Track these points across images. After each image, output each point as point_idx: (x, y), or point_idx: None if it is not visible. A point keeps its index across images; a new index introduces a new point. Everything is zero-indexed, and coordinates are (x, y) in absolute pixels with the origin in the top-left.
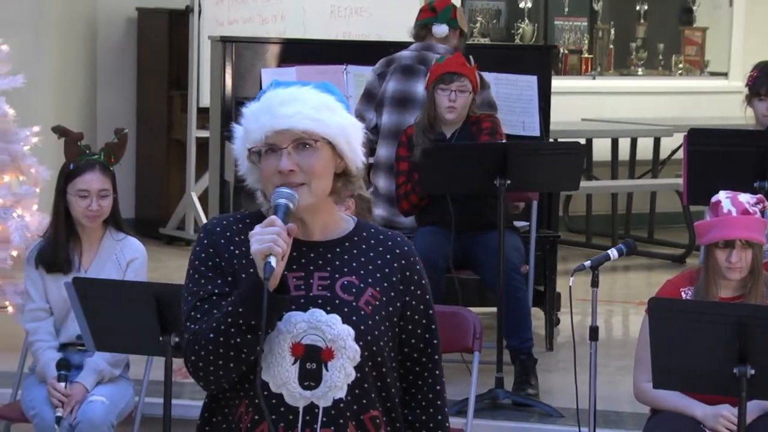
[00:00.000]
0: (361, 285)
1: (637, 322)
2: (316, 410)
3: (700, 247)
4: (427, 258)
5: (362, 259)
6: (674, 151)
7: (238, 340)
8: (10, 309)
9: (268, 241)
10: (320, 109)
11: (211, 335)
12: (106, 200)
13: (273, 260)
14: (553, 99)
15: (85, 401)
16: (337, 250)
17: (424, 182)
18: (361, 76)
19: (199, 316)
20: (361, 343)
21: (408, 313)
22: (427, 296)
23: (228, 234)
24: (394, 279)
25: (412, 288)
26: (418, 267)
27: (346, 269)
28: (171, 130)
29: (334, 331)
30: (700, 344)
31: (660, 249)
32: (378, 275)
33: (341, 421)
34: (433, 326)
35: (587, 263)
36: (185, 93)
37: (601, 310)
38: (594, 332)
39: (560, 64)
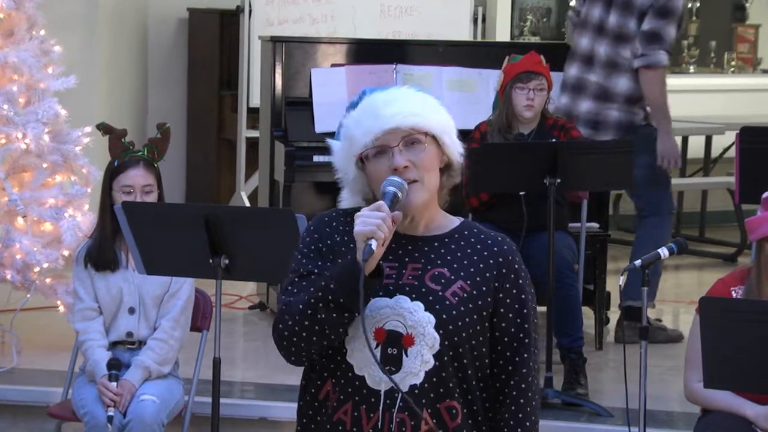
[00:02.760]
0: (452, 277)
1: (687, 321)
2: (396, 395)
3: (752, 246)
4: None
5: (458, 254)
6: (726, 149)
7: (323, 316)
8: (61, 308)
9: (372, 225)
10: (422, 105)
11: (300, 307)
12: (150, 196)
13: (374, 243)
14: None
15: (136, 400)
16: (435, 244)
17: (473, 182)
18: (410, 75)
19: (295, 290)
20: (441, 331)
21: (501, 310)
22: (524, 296)
23: (334, 224)
24: (488, 275)
25: (508, 286)
26: (517, 267)
27: (439, 261)
28: (221, 130)
29: (415, 317)
30: (751, 344)
31: (711, 248)
32: (472, 269)
33: (416, 408)
34: (527, 326)
35: (638, 262)
36: (235, 93)
37: (651, 310)
38: (644, 331)
39: None
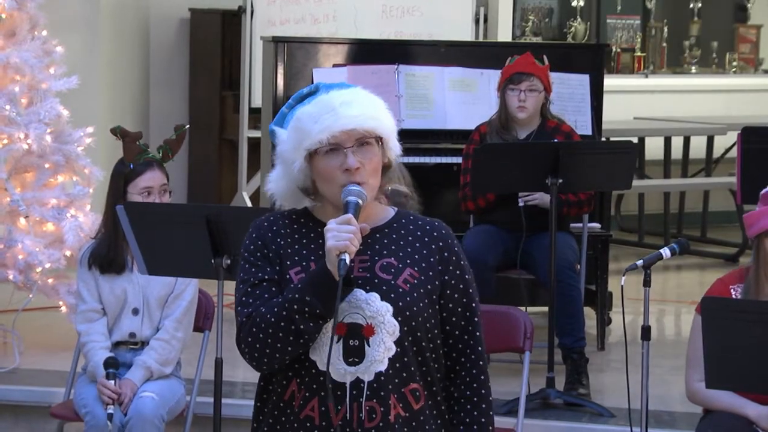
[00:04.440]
0: (400, 265)
1: (689, 321)
2: (362, 384)
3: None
4: (477, 256)
5: (401, 243)
6: (728, 150)
7: (301, 326)
8: (63, 309)
9: (345, 239)
10: (377, 109)
11: (272, 318)
12: (166, 195)
13: (347, 257)
14: (606, 98)
15: (136, 398)
16: (377, 235)
17: (475, 182)
18: (412, 75)
19: (251, 300)
20: (399, 318)
21: (447, 291)
22: (467, 276)
23: (275, 228)
24: (432, 259)
25: (451, 268)
26: (456, 249)
27: (385, 252)
28: (223, 131)
29: (373, 307)
30: (753, 343)
31: (713, 248)
32: (416, 256)
33: (383, 393)
34: (473, 304)
35: (639, 262)
36: (237, 93)
37: (653, 310)
38: (646, 332)
39: (613, 62)
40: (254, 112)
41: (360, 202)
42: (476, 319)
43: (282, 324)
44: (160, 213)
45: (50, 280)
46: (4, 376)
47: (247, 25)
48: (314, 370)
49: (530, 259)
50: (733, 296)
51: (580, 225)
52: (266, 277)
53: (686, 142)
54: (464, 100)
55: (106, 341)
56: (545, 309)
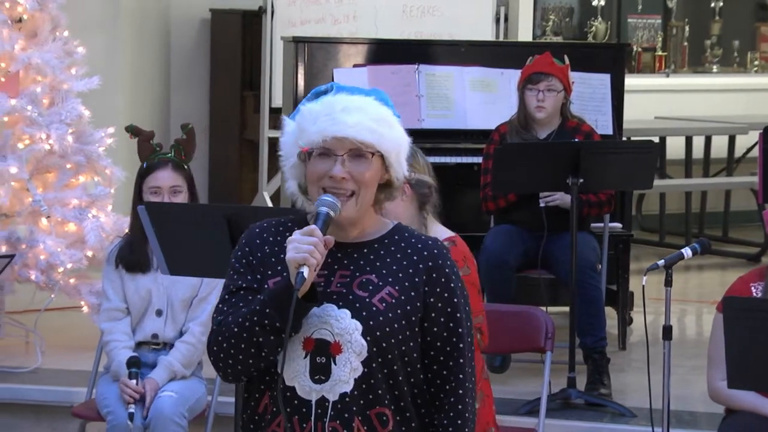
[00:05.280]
0: (380, 283)
1: (710, 321)
2: (327, 404)
3: None
4: (498, 256)
5: (387, 260)
6: (749, 149)
7: (261, 339)
8: (85, 309)
9: (304, 251)
10: (380, 122)
11: (236, 329)
12: (178, 197)
13: (306, 270)
14: (627, 97)
15: (156, 397)
16: (365, 250)
17: (496, 182)
18: (432, 75)
19: (226, 308)
20: (368, 338)
21: (432, 314)
22: (455, 300)
23: (264, 235)
24: (417, 279)
25: (438, 290)
26: (448, 270)
27: (368, 268)
28: (244, 131)
29: (341, 324)
30: None
31: (735, 248)
32: (400, 275)
33: (347, 415)
34: (460, 330)
35: (661, 262)
36: (258, 93)
37: (674, 310)
38: (668, 331)
39: (633, 62)
40: (275, 112)
41: (331, 213)
42: (461, 345)
43: (244, 335)
44: (181, 213)
45: (72, 280)
46: (26, 376)
47: (267, 25)
48: (282, 385)
49: (551, 259)
50: (754, 294)
51: (601, 225)
52: (244, 285)
53: (707, 141)
54: (484, 99)
55: (130, 341)
56: (566, 309)
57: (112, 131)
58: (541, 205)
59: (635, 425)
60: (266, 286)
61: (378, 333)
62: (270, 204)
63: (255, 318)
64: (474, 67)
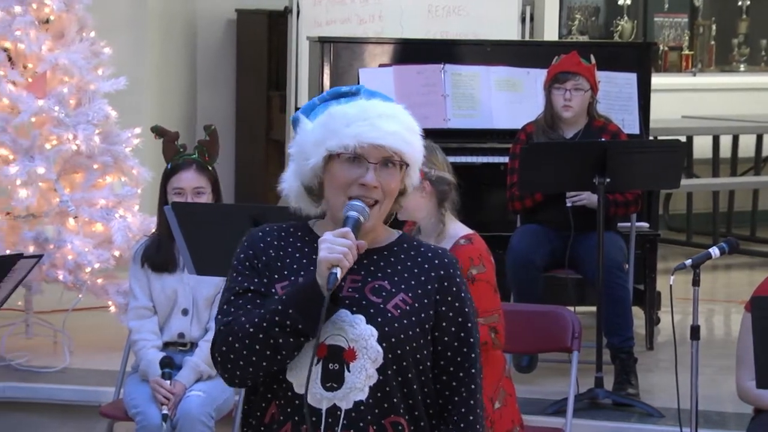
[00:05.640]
0: (393, 290)
1: (738, 321)
2: (339, 412)
3: None
4: (525, 256)
5: (398, 267)
6: None
7: (280, 341)
8: (113, 308)
9: (339, 252)
10: (412, 132)
11: (251, 329)
12: (201, 198)
13: (338, 271)
14: (653, 96)
15: (184, 397)
16: (374, 257)
17: (522, 181)
18: (458, 75)
19: (232, 309)
20: (384, 344)
21: (443, 324)
22: (466, 310)
23: (268, 239)
24: (429, 287)
25: (449, 299)
26: (458, 279)
27: (379, 274)
28: (270, 131)
29: (357, 330)
30: None
31: (762, 247)
32: (412, 282)
33: (361, 424)
34: (471, 340)
35: (688, 262)
36: (284, 93)
37: (702, 309)
38: (695, 331)
39: (660, 61)
40: None
41: (361, 219)
42: (473, 356)
43: (260, 336)
44: (207, 213)
45: (99, 280)
46: (54, 376)
47: (293, 25)
48: (290, 392)
49: (578, 258)
50: None
51: (628, 224)
52: (251, 287)
53: (735, 140)
54: (510, 99)
55: (158, 340)
56: (593, 309)
57: (139, 131)
58: (568, 204)
59: (663, 425)
60: (273, 290)
61: (393, 339)
62: None
63: (276, 318)
64: (500, 67)
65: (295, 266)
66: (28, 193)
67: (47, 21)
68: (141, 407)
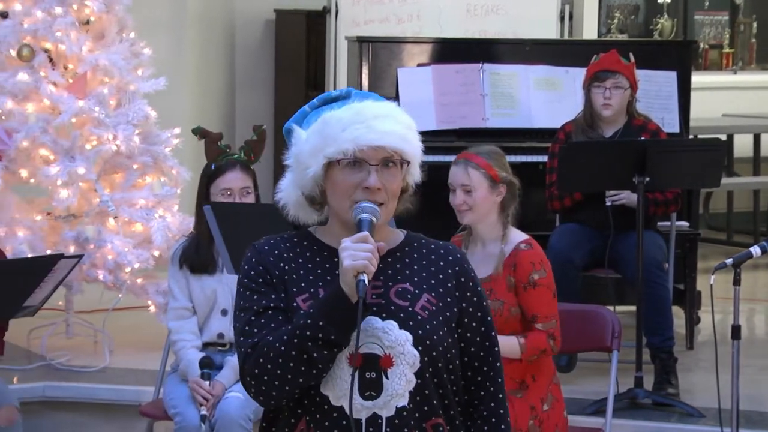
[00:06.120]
0: (416, 291)
1: None
2: (379, 421)
3: None
4: (564, 255)
5: (415, 267)
6: None
7: (315, 355)
8: (152, 308)
9: (363, 259)
10: (409, 130)
11: (282, 348)
12: (248, 197)
13: (366, 278)
14: (693, 95)
15: (222, 398)
16: (389, 260)
17: (561, 180)
18: (497, 74)
19: (256, 330)
20: (419, 347)
21: (465, 320)
22: (484, 303)
23: (276, 252)
24: (449, 285)
25: (468, 294)
26: (472, 274)
27: (399, 277)
28: None
29: (392, 336)
30: None
31: None
32: (432, 281)
33: (406, 430)
34: (492, 333)
35: (729, 261)
36: (322, 93)
37: (742, 309)
38: (736, 331)
39: (700, 59)
40: None
41: (374, 220)
42: (496, 349)
43: (293, 353)
44: (246, 213)
45: (139, 280)
46: (94, 376)
47: (331, 25)
48: (326, 405)
49: (617, 258)
50: None
51: (668, 224)
52: (271, 304)
53: None
54: (549, 98)
55: (197, 340)
56: (633, 308)
57: (178, 132)
58: (607, 204)
59: (703, 425)
60: (295, 304)
61: (428, 342)
62: None
63: (307, 332)
64: (539, 66)
65: (311, 277)
66: (68, 194)
67: (87, 22)
68: (180, 407)
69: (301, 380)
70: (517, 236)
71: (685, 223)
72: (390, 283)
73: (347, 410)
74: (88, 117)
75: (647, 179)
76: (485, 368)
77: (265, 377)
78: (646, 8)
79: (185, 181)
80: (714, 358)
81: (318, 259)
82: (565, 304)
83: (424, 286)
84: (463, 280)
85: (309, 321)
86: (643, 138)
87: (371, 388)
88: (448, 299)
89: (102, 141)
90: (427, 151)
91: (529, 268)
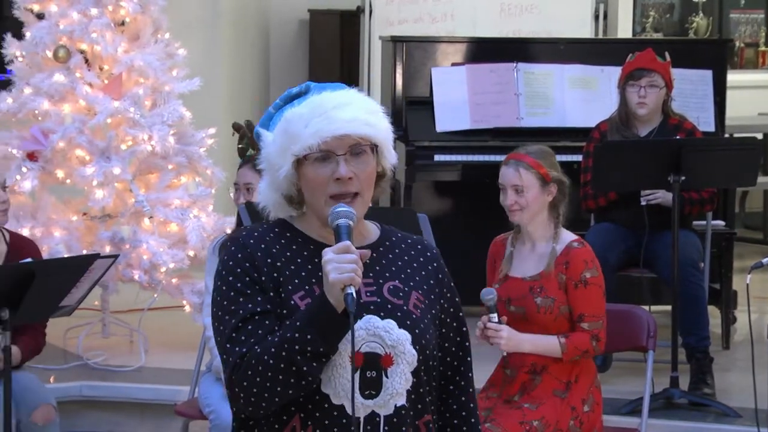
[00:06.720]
0: (406, 288)
1: None
2: (377, 419)
3: None
4: (599, 255)
5: (399, 263)
6: None
7: (304, 368)
8: (187, 308)
9: (349, 271)
10: (373, 114)
11: (271, 360)
12: (251, 194)
13: (353, 291)
14: (729, 93)
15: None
16: (374, 255)
17: (596, 180)
18: (531, 73)
19: (243, 338)
20: (417, 347)
21: (442, 315)
22: (457, 298)
23: (263, 246)
24: (432, 282)
25: (446, 291)
26: (446, 270)
27: (387, 274)
28: None
29: (393, 336)
30: None
31: None
32: (418, 278)
33: (403, 428)
34: (464, 328)
35: (765, 260)
36: None
37: None
38: None
39: (736, 57)
40: None
41: (351, 224)
42: (467, 344)
43: (281, 365)
44: None
45: (174, 280)
46: (130, 375)
47: (365, 25)
48: (327, 404)
49: (653, 257)
50: None
51: (704, 223)
52: (258, 309)
53: None
54: (584, 97)
55: None
56: (668, 308)
57: (213, 132)
58: (642, 203)
59: (740, 425)
60: (292, 302)
61: (423, 341)
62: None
63: (296, 346)
64: (573, 65)
65: (303, 274)
66: (104, 194)
67: (123, 23)
68: (214, 406)
69: (290, 391)
70: (568, 235)
71: (720, 222)
72: (381, 281)
73: (348, 409)
74: (123, 117)
75: (683, 178)
76: (456, 363)
77: (254, 389)
78: (681, 7)
79: (220, 181)
80: (750, 358)
81: (306, 253)
82: None
83: (412, 284)
84: (440, 276)
85: (297, 334)
86: (678, 137)
87: (371, 386)
88: (432, 296)
89: (137, 141)
90: (462, 150)
91: (581, 266)
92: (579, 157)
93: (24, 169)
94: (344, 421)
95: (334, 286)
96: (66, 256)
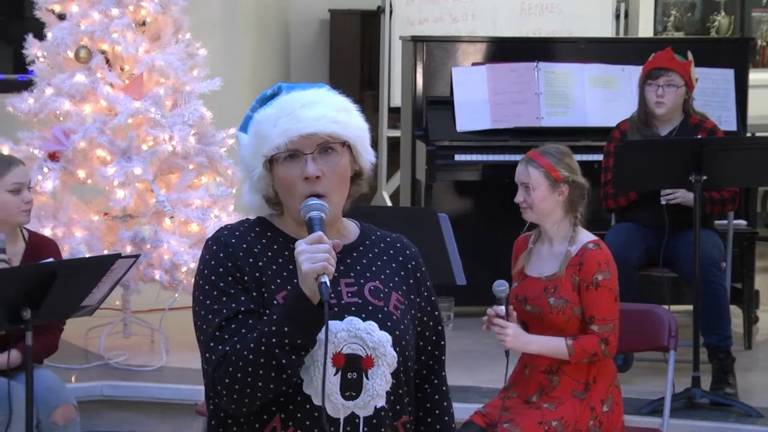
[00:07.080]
0: (386, 289)
1: None
2: (357, 420)
3: None
4: (620, 254)
5: (379, 263)
6: None
7: (283, 361)
8: None
9: (322, 260)
10: (342, 112)
11: (251, 356)
12: None
13: (327, 279)
14: (751, 92)
15: None
16: (354, 254)
17: (617, 179)
18: (551, 72)
19: (227, 336)
20: (397, 348)
21: (419, 315)
22: (434, 298)
23: (245, 245)
24: (411, 281)
25: (423, 290)
26: (424, 269)
27: (368, 274)
28: None
29: (375, 338)
30: None
31: None
32: (397, 279)
33: (382, 429)
34: (440, 327)
35: None
36: (377, 93)
37: None
38: None
39: (758, 56)
40: (393, 112)
41: (323, 216)
42: (443, 343)
43: (261, 360)
44: None
45: None
46: (151, 375)
47: (386, 24)
48: (308, 405)
49: (674, 257)
50: None
51: (725, 222)
52: (242, 308)
53: None
54: (605, 97)
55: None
56: (689, 307)
57: (234, 132)
58: (663, 202)
59: (762, 425)
60: (275, 302)
61: (403, 342)
62: (389, 203)
63: (273, 339)
64: (594, 64)
65: (285, 273)
66: (125, 194)
67: (144, 23)
68: None
69: (272, 386)
70: (586, 236)
71: (742, 222)
72: (362, 281)
73: (329, 410)
74: (144, 118)
75: (704, 178)
76: (431, 362)
77: (236, 386)
78: (702, 5)
79: (240, 181)
80: None
81: (287, 252)
82: (622, 303)
83: (391, 284)
84: (419, 275)
85: (274, 328)
86: (699, 136)
87: (352, 388)
88: (411, 296)
89: (158, 141)
90: (482, 150)
91: (594, 267)
92: (599, 157)
93: (45, 170)
94: (326, 423)
95: (307, 276)
96: (87, 256)
